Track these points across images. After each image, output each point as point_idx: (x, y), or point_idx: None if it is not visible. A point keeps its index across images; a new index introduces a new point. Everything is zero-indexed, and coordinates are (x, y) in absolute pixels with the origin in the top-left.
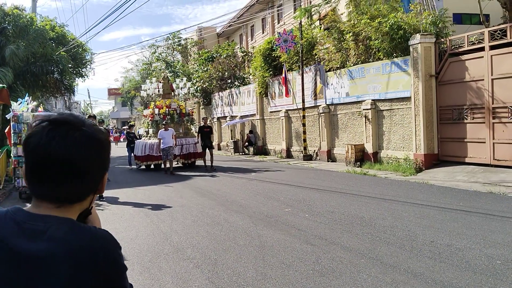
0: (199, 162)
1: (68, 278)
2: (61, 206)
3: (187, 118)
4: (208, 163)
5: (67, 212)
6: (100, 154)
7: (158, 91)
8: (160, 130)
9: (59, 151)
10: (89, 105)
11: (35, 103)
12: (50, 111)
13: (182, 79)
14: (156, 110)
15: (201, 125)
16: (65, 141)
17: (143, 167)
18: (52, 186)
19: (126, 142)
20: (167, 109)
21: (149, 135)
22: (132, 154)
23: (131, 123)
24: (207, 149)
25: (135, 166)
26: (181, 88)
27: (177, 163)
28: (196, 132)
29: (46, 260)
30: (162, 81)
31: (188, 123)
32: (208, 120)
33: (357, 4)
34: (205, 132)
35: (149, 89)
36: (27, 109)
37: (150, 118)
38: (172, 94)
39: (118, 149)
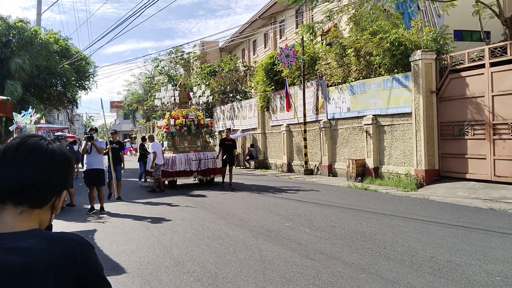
0: (218, 179)
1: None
2: (23, 212)
3: (205, 130)
4: (227, 179)
5: (29, 220)
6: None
7: (174, 99)
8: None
9: None
10: (91, 117)
11: (38, 115)
12: (52, 124)
13: (200, 87)
14: (172, 121)
15: (223, 137)
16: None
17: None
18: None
19: (138, 156)
20: (184, 119)
21: (163, 148)
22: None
23: (133, 136)
24: (227, 165)
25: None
26: (199, 96)
27: (194, 180)
28: (218, 145)
29: (26, 274)
30: (178, 89)
31: (207, 135)
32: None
33: (357, 21)
34: (227, 146)
35: (164, 97)
36: (30, 121)
37: (165, 130)
38: (189, 103)
39: None
